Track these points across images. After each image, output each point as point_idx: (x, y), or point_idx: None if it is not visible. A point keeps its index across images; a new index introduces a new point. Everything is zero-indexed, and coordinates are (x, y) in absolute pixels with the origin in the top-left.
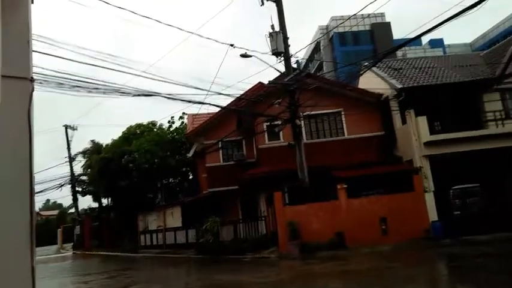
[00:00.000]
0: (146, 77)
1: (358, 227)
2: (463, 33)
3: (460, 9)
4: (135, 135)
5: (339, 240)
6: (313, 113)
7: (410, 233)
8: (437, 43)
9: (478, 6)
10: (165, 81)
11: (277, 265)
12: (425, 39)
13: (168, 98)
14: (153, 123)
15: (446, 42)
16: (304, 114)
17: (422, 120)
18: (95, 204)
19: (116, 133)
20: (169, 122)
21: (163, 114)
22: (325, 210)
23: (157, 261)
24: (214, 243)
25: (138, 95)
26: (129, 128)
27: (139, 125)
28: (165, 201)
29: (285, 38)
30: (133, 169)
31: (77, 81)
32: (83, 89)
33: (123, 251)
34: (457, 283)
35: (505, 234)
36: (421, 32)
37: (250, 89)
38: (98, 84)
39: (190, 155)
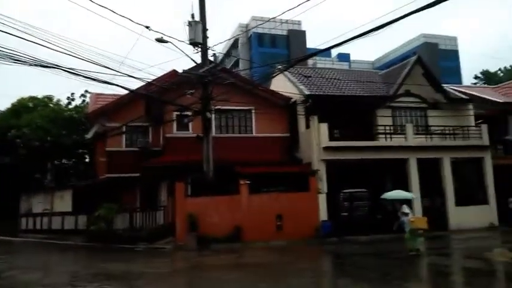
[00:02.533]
0: (45, 46)
1: (255, 222)
2: (368, 52)
3: (367, 29)
4: (27, 108)
5: (237, 234)
6: (224, 107)
7: (302, 231)
8: (344, 57)
9: (381, 30)
10: (67, 54)
11: (171, 256)
12: (334, 53)
13: (70, 72)
14: (50, 98)
15: (352, 58)
16: (216, 108)
17: (324, 127)
18: None
19: (2, 104)
20: (68, 98)
21: (63, 89)
22: (226, 204)
23: (40, 247)
24: (107, 231)
25: (35, 65)
26: (20, 100)
27: (33, 98)
28: (55, 183)
29: (204, 29)
30: (21, 145)
31: None
32: None
33: None
34: (337, 276)
35: (382, 236)
36: (331, 44)
37: (163, 75)
38: None
39: (89, 136)
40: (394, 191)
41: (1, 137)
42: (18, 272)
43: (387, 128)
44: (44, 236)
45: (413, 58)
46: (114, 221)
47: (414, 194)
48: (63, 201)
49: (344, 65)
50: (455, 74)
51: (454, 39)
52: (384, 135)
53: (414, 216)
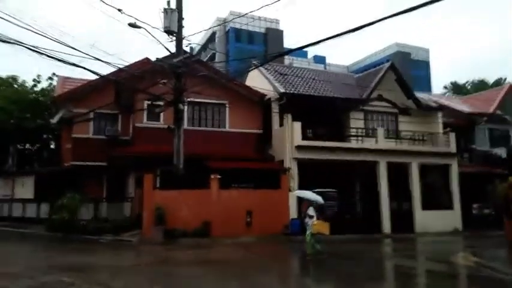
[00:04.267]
0: (7, 20)
1: (225, 217)
2: (343, 57)
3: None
4: None
5: (205, 229)
6: (197, 100)
7: (271, 228)
8: (320, 59)
9: (357, 32)
10: (30, 30)
11: (136, 249)
12: (310, 54)
13: (34, 51)
14: (14, 78)
15: (328, 61)
16: (189, 99)
17: (297, 126)
18: None
19: None
20: (34, 80)
21: (29, 71)
22: (196, 198)
23: None
24: (70, 221)
25: None
26: None
27: None
28: (17, 168)
29: (180, 18)
30: None
31: None
32: None
33: None
34: (302, 275)
35: (350, 236)
36: (308, 43)
37: (136, 62)
38: None
39: (54, 121)
40: (306, 191)
41: None
42: None
43: (359, 130)
44: (3, 224)
45: (387, 64)
46: (78, 211)
47: (383, 199)
48: (25, 188)
49: (320, 67)
50: (425, 84)
51: (427, 50)
52: (355, 138)
53: (317, 221)
